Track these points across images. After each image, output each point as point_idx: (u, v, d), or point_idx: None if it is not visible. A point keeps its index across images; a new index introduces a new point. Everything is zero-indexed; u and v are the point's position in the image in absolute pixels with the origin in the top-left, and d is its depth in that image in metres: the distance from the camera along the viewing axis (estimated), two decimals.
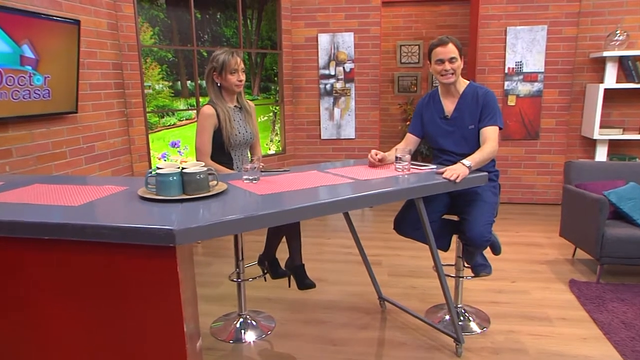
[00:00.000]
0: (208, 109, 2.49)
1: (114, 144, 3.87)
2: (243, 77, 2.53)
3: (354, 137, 5.35)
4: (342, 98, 5.31)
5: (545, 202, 5.19)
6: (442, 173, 2.18)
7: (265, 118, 5.56)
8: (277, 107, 5.50)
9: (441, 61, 2.40)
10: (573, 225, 3.56)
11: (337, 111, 5.34)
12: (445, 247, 2.62)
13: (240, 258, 2.68)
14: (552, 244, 4.05)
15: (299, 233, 2.55)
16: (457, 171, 2.17)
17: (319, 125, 5.40)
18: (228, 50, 2.50)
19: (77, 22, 3.16)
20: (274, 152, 5.54)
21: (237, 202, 1.77)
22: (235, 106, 2.62)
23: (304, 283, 2.51)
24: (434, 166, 2.40)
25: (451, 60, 2.39)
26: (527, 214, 4.93)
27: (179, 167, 1.84)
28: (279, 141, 5.57)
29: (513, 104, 5.03)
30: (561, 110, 5.02)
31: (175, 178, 1.78)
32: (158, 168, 1.85)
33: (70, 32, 3.11)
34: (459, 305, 2.80)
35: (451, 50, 2.38)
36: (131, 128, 4.07)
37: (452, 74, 2.42)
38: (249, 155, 2.80)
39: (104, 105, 3.72)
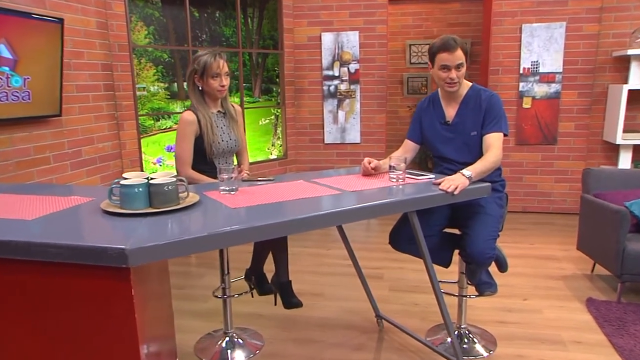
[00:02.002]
0: (188, 115, 2.39)
1: (103, 149, 3.80)
2: (226, 81, 2.43)
3: (359, 142, 5.23)
4: (347, 100, 5.19)
5: (563, 212, 4.99)
6: (440, 184, 2.04)
7: (267, 121, 5.47)
8: (279, 110, 5.40)
9: (447, 68, 2.25)
10: (591, 238, 3.38)
11: (341, 114, 5.22)
12: (446, 263, 2.48)
13: (226, 272, 2.57)
14: (570, 257, 3.87)
15: (286, 247, 2.43)
16: (455, 182, 2.03)
17: (323, 128, 5.29)
18: (211, 52, 2.40)
19: (60, 21, 3.10)
20: (275, 156, 5.44)
21: (205, 216, 1.66)
22: (219, 111, 2.52)
23: (291, 302, 2.39)
24: (432, 176, 2.26)
25: (458, 67, 2.24)
26: (543, 224, 4.74)
27: (146, 178, 1.75)
28: (280, 145, 5.47)
29: (529, 106, 4.85)
30: (581, 113, 4.82)
31: (140, 189, 1.69)
32: (124, 178, 1.77)
33: (52, 31, 3.05)
34: (462, 326, 2.65)
35: (459, 56, 2.22)
36: (122, 132, 4.00)
37: (458, 82, 2.28)
38: (235, 163, 2.70)
39: (92, 108, 3.66)
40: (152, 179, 1.75)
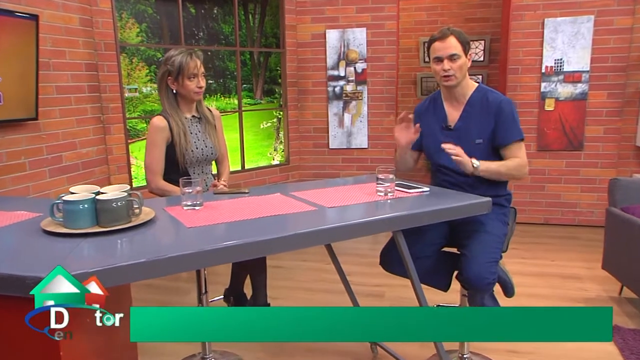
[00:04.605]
0: (159, 121, 2.30)
1: (87, 154, 3.74)
2: (203, 82, 2.33)
3: (366, 147, 5.07)
4: (353, 102, 5.04)
5: (590, 224, 4.73)
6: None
7: (269, 124, 5.36)
8: (281, 112, 5.29)
9: (439, 59, 2.13)
10: (618, 257, 3.16)
11: (347, 117, 5.08)
12: (444, 287, 2.32)
13: (204, 291, 2.46)
14: (594, 277, 3.64)
15: (265, 267, 2.31)
16: (462, 157, 1.98)
17: (327, 132, 5.15)
18: (186, 51, 2.31)
19: (35, 17, 3.03)
20: (278, 162, 5.32)
21: (153, 237, 1.55)
22: (193, 116, 2.41)
23: None
24: (427, 188, 2.11)
25: (452, 57, 2.10)
26: (566, 238, 4.51)
27: (95, 192, 1.64)
28: (283, 150, 5.35)
29: (551, 108, 4.63)
30: (611, 116, 4.58)
31: (85, 206, 1.58)
32: (71, 193, 1.67)
33: (25, 28, 2.98)
34: (465, 355, 2.48)
35: (451, 45, 2.09)
36: (108, 136, 3.94)
37: (454, 75, 2.12)
38: (215, 172, 2.59)
39: (75, 111, 3.60)
40: (102, 193, 1.65)
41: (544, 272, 3.75)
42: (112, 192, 1.66)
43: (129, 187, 1.71)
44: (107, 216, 1.59)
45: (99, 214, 1.59)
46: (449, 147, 2.00)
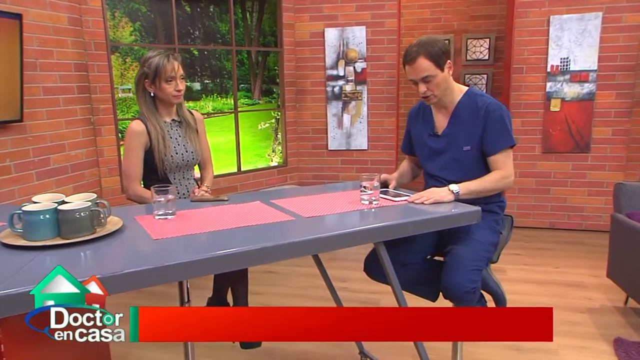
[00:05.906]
0: (137, 125, 2.24)
1: (77, 156, 3.69)
2: (182, 85, 2.27)
3: (366, 148, 4.99)
4: (353, 102, 4.96)
5: (597, 229, 4.62)
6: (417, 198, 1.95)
7: (267, 125, 5.30)
8: (279, 113, 5.22)
9: (414, 82, 2.06)
10: (623, 265, 3.05)
11: (346, 118, 4.99)
12: (433, 296, 2.23)
13: (186, 300, 2.39)
14: (600, 285, 3.52)
15: (246, 276, 2.24)
16: (432, 194, 1.91)
17: (326, 134, 5.07)
18: (163, 53, 2.24)
19: (19, 17, 2.99)
20: (276, 164, 5.25)
21: (116, 250, 1.48)
22: (173, 120, 2.35)
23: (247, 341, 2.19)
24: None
25: (425, 80, 2.02)
26: (572, 244, 4.39)
27: (58, 202, 1.58)
28: (281, 152, 5.28)
29: (557, 109, 4.52)
30: (619, 117, 4.45)
31: (47, 217, 1.52)
32: (33, 202, 1.61)
33: (9, 27, 2.94)
34: None
35: (421, 68, 2.00)
36: (99, 138, 3.89)
37: (432, 95, 2.06)
38: (199, 177, 2.52)
39: (63, 112, 3.55)
40: (66, 203, 1.59)
41: (547, 280, 3.64)
42: (78, 201, 1.60)
43: (95, 196, 1.65)
44: (69, 227, 1.52)
45: (60, 224, 1.53)
46: (414, 200, 1.95)
